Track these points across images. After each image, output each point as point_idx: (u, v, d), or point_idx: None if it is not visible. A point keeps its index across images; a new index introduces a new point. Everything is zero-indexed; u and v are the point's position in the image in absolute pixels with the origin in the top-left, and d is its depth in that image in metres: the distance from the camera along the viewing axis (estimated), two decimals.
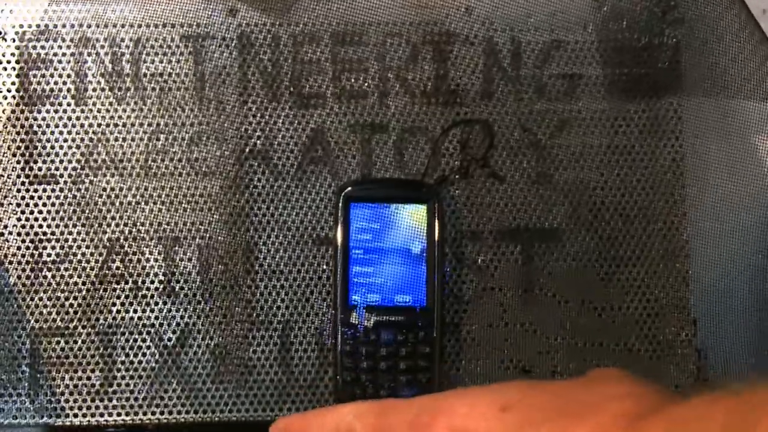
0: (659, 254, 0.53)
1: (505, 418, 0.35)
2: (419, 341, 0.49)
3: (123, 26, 0.52)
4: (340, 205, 0.50)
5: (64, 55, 0.52)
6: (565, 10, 0.53)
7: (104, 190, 0.52)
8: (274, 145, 0.53)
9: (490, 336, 0.52)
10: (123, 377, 0.51)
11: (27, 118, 0.52)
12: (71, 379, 0.51)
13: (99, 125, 0.52)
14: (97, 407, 0.51)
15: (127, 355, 0.51)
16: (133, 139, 0.52)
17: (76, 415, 0.51)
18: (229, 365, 0.51)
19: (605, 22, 0.53)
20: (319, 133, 0.53)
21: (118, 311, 0.51)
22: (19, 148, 0.52)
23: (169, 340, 0.51)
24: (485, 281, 0.52)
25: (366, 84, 0.53)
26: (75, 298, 0.51)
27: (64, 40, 0.52)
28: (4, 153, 0.52)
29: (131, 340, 0.51)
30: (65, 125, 0.52)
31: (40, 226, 0.52)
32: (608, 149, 0.53)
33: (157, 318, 0.51)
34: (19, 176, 0.52)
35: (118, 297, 0.51)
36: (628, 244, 0.53)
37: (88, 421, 0.51)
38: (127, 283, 0.52)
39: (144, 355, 0.51)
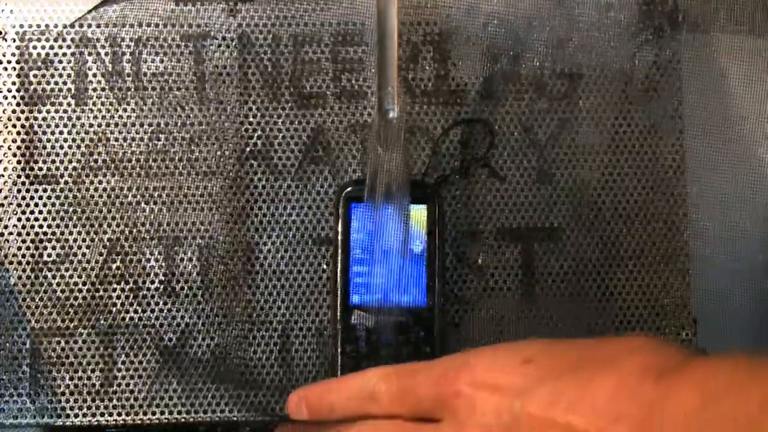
0: (659, 254, 0.53)
1: (526, 370, 0.35)
2: (419, 341, 0.49)
3: (123, 26, 0.52)
4: (341, 205, 0.50)
5: (64, 55, 0.52)
6: (565, 10, 0.53)
7: (104, 190, 0.52)
8: (274, 145, 0.53)
9: (491, 336, 0.52)
10: (123, 377, 0.51)
11: (27, 118, 0.52)
12: (71, 379, 0.51)
13: (99, 125, 0.52)
14: (97, 407, 0.51)
15: (128, 355, 0.51)
16: (133, 139, 0.52)
17: (76, 415, 0.51)
18: (229, 365, 0.51)
19: (604, 21, 0.53)
20: (319, 133, 0.53)
21: (119, 311, 0.51)
22: (19, 148, 0.52)
23: (170, 340, 0.51)
24: (485, 281, 0.52)
25: (366, 84, 0.53)
26: (75, 298, 0.51)
27: (64, 40, 0.52)
28: (4, 153, 0.52)
29: (131, 340, 0.51)
30: (65, 125, 0.52)
31: (41, 227, 0.52)
32: (608, 149, 0.53)
33: (157, 318, 0.51)
34: (19, 176, 0.52)
35: (119, 297, 0.51)
36: (628, 244, 0.53)
37: (89, 421, 0.51)
38: (127, 283, 0.52)
39: (144, 355, 0.51)
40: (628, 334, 0.37)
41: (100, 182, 0.52)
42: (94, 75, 0.52)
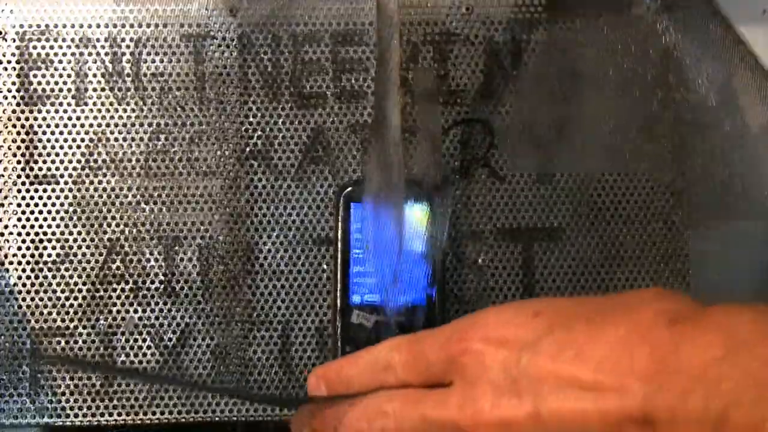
0: (659, 254, 0.53)
1: (534, 322, 0.34)
2: None
3: (123, 26, 0.52)
4: (341, 205, 0.50)
5: (64, 55, 0.52)
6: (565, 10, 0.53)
7: (104, 190, 0.52)
8: (274, 145, 0.53)
9: None
10: (123, 377, 0.51)
11: (27, 118, 0.52)
12: (72, 379, 0.51)
13: (99, 125, 0.52)
14: (97, 407, 0.51)
15: (128, 355, 0.51)
16: (133, 139, 0.52)
17: (76, 415, 0.51)
18: (229, 365, 0.51)
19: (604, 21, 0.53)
20: (319, 133, 0.53)
21: (119, 311, 0.51)
22: (19, 148, 0.52)
23: (170, 340, 0.51)
24: (485, 281, 0.52)
25: (366, 84, 0.53)
26: (75, 298, 0.51)
27: (64, 40, 0.52)
28: (4, 153, 0.52)
29: (131, 340, 0.51)
30: (65, 125, 0.52)
31: (41, 227, 0.52)
32: (608, 149, 0.53)
33: (157, 318, 0.51)
34: (19, 176, 0.52)
35: (119, 297, 0.51)
36: (628, 244, 0.53)
37: (89, 421, 0.51)
38: (127, 283, 0.52)
39: (144, 355, 0.51)
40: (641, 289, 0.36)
41: (100, 182, 0.52)
42: (94, 75, 0.52)
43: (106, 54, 0.52)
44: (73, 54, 0.52)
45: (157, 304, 0.52)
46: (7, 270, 0.51)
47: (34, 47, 0.52)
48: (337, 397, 0.39)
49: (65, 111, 0.52)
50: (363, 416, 0.37)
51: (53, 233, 0.52)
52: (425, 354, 0.37)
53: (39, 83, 0.52)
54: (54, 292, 0.51)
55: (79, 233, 0.52)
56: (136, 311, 0.51)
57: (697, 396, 0.29)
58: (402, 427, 0.36)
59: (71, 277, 0.51)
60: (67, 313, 0.51)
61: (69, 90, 0.52)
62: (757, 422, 0.28)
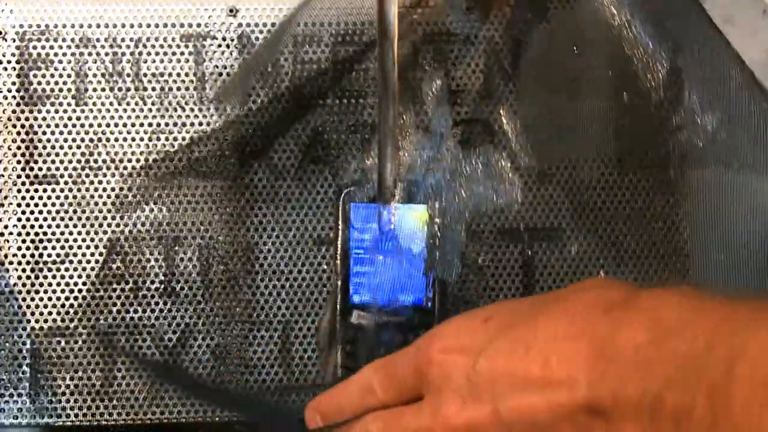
0: (659, 254, 0.53)
1: (487, 326, 0.37)
2: None
3: (123, 26, 0.52)
4: (341, 205, 0.50)
5: (64, 55, 0.52)
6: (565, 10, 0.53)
7: (104, 190, 0.52)
8: (274, 145, 0.53)
9: None
10: (123, 377, 0.51)
11: (27, 118, 0.52)
12: (72, 379, 0.51)
13: (99, 125, 0.52)
14: (97, 407, 0.51)
15: (128, 355, 0.51)
16: (133, 139, 0.52)
17: (76, 416, 0.51)
18: (229, 365, 0.51)
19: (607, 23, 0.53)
20: (319, 133, 0.53)
21: (119, 311, 0.51)
22: (19, 148, 0.52)
23: (170, 340, 0.51)
24: (485, 281, 0.52)
25: (366, 84, 0.53)
26: (75, 298, 0.51)
27: (64, 40, 0.52)
28: (4, 153, 0.52)
29: (131, 340, 0.51)
30: (65, 125, 0.52)
31: (41, 226, 0.52)
32: (608, 149, 0.53)
33: (157, 318, 0.51)
34: (19, 176, 0.52)
35: (119, 297, 0.51)
36: (628, 244, 0.53)
37: (89, 421, 0.51)
38: (127, 283, 0.52)
39: (144, 355, 0.51)
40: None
41: (100, 182, 0.52)
42: (94, 75, 0.52)
43: (106, 54, 0.52)
44: (73, 54, 0.52)
45: (157, 304, 0.52)
46: (7, 270, 0.51)
47: (34, 47, 0.52)
48: (334, 425, 0.40)
49: (65, 111, 0.52)
50: None
51: (53, 233, 0.52)
52: (397, 372, 0.39)
53: (39, 83, 0.52)
54: (54, 292, 0.51)
55: (79, 233, 0.52)
56: (136, 311, 0.51)
57: (634, 381, 0.31)
58: None
59: (71, 277, 0.51)
60: (67, 313, 0.51)
61: (69, 90, 0.52)
62: (688, 402, 0.29)
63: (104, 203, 0.52)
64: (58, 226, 0.52)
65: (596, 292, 0.35)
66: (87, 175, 0.52)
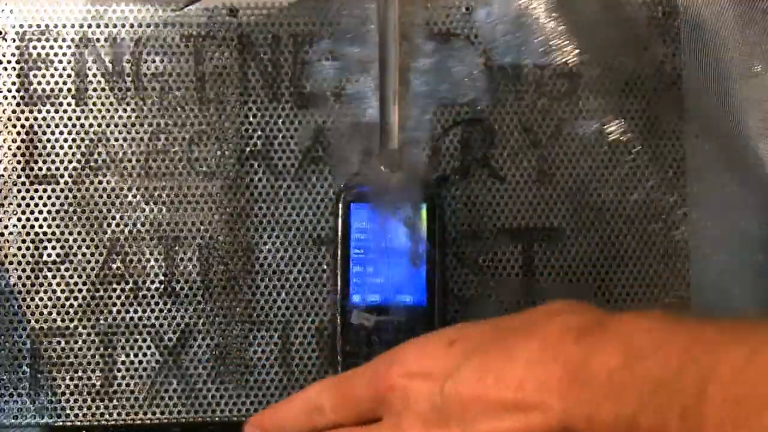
0: (659, 254, 0.53)
1: (451, 351, 0.36)
2: None
3: (123, 26, 0.52)
4: (340, 205, 0.50)
5: (64, 55, 0.52)
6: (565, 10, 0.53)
7: (104, 190, 0.52)
8: (274, 145, 0.53)
9: None
10: (123, 377, 0.51)
11: (27, 118, 0.52)
12: (72, 379, 0.51)
13: (99, 125, 0.52)
14: (97, 407, 0.51)
15: (128, 355, 0.51)
16: (133, 139, 0.52)
17: (76, 415, 0.51)
18: (230, 365, 0.51)
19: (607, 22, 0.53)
20: (319, 133, 0.53)
21: (119, 311, 0.51)
22: (19, 148, 0.52)
23: (170, 340, 0.51)
24: (485, 281, 0.52)
25: (366, 84, 0.53)
26: (75, 298, 0.51)
27: (64, 40, 0.52)
28: (4, 153, 0.52)
29: (131, 340, 0.51)
30: (65, 125, 0.52)
31: (41, 227, 0.52)
32: (608, 149, 0.53)
33: (157, 318, 0.51)
34: (19, 176, 0.52)
35: (119, 297, 0.51)
36: (628, 244, 0.53)
37: (89, 421, 0.51)
38: (127, 283, 0.52)
39: (144, 355, 0.51)
40: (547, 302, 0.37)
41: (100, 182, 0.52)
42: (94, 75, 0.52)
43: (106, 54, 0.52)
44: (73, 54, 0.52)
45: (157, 304, 0.52)
46: (7, 270, 0.51)
47: (34, 47, 0.52)
48: None
49: (65, 111, 0.52)
50: None
51: (53, 233, 0.52)
52: (353, 393, 0.38)
53: (39, 83, 0.52)
54: (54, 292, 0.51)
55: (79, 233, 0.52)
56: (136, 311, 0.51)
57: (608, 405, 0.31)
58: None
59: (71, 277, 0.51)
60: (67, 313, 0.51)
61: (69, 90, 0.52)
62: (661, 424, 0.30)
63: (104, 203, 0.52)
64: (58, 226, 0.52)
65: (566, 317, 0.35)
66: (87, 175, 0.52)
